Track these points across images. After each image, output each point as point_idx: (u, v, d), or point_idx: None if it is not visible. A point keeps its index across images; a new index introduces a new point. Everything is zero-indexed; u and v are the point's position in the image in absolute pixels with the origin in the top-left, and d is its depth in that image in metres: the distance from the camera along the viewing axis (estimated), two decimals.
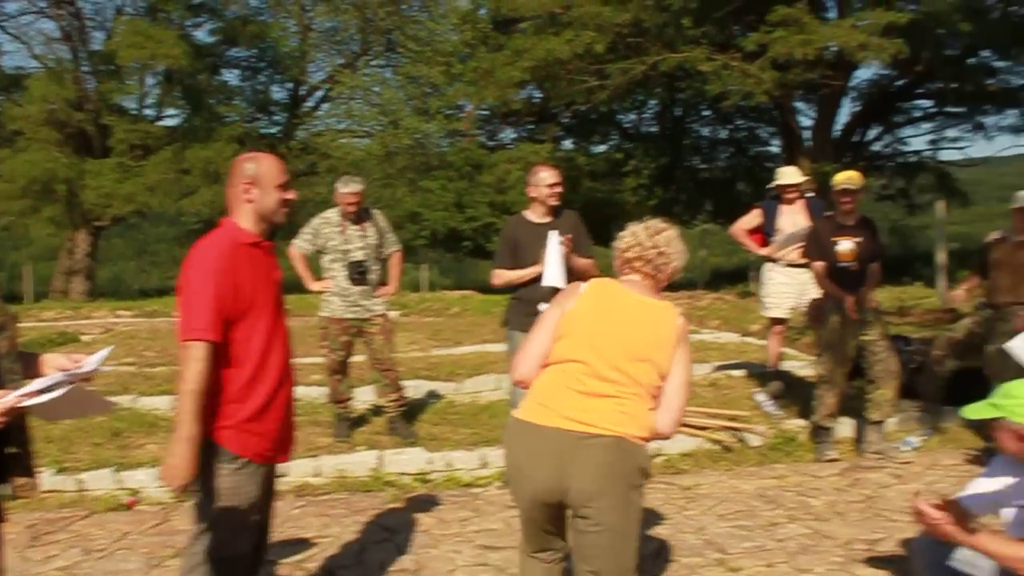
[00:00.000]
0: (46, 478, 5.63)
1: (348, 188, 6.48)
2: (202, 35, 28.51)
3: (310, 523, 5.22)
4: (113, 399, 7.11)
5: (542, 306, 5.36)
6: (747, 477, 6.03)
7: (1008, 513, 3.27)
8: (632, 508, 3.00)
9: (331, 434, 6.63)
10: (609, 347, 3.02)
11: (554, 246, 5.32)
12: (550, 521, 3.14)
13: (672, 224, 3.27)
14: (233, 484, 3.07)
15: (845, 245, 6.19)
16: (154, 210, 24.11)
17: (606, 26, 17.89)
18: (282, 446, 3.27)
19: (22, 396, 2.35)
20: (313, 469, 5.96)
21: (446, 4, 28.18)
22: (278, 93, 30.65)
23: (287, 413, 3.26)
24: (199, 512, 3.13)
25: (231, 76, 29.89)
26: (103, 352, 2.59)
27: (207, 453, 3.02)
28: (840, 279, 6.19)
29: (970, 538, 3.11)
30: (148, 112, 27.62)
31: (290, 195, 3.27)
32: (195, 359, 2.92)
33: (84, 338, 13.85)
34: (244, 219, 3.21)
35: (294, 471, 5.86)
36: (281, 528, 5.08)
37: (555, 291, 5.34)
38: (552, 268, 5.29)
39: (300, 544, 4.90)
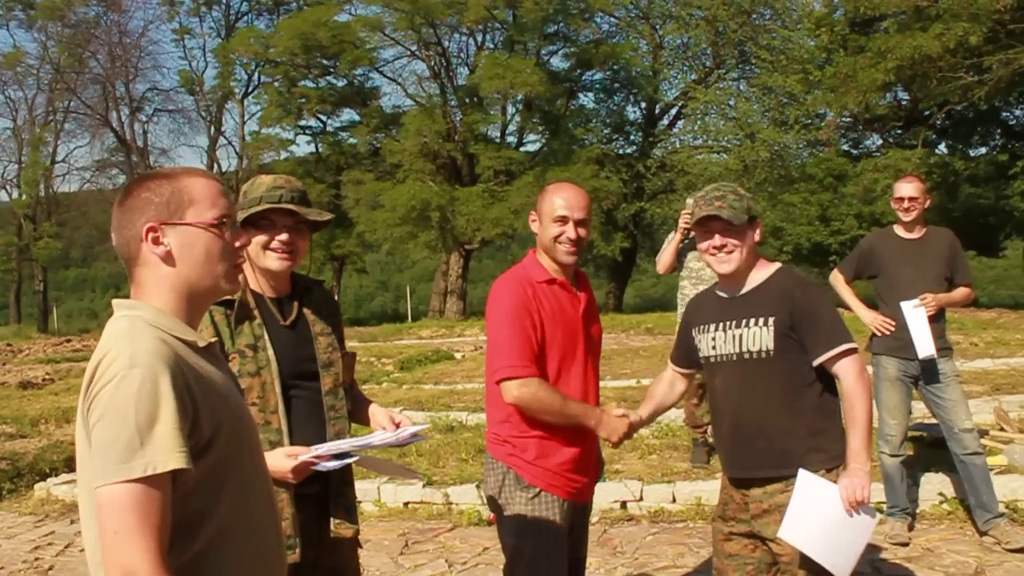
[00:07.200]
0: (417, 490, 5.96)
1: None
2: (557, 62, 29.78)
3: (664, 551, 5.06)
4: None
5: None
6: None
7: None
8: None
9: (688, 459, 6.45)
10: None
11: (912, 315, 4.85)
12: None
13: None
14: (531, 513, 2.93)
15: None
16: (520, 232, 25.35)
17: (982, 14, 16.35)
18: (581, 483, 3.04)
19: (313, 459, 2.42)
20: (669, 495, 5.81)
21: (799, 10, 27.27)
22: (633, 113, 31.27)
23: (586, 452, 3.03)
24: (503, 541, 3.04)
25: (586, 99, 30.89)
26: (418, 428, 2.59)
27: (507, 482, 2.96)
28: None
29: None
30: (510, 139, 29.21)
31: (570, 232, 2.93)
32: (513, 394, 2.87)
33: (457, 355, 14.78)
34: (541, 253, 3.05)
35: (650, 496, 5.74)
36: (634, 555, 5.00)
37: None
38: (921, 338, 4.85)
39: (652, 573, 4.77)
